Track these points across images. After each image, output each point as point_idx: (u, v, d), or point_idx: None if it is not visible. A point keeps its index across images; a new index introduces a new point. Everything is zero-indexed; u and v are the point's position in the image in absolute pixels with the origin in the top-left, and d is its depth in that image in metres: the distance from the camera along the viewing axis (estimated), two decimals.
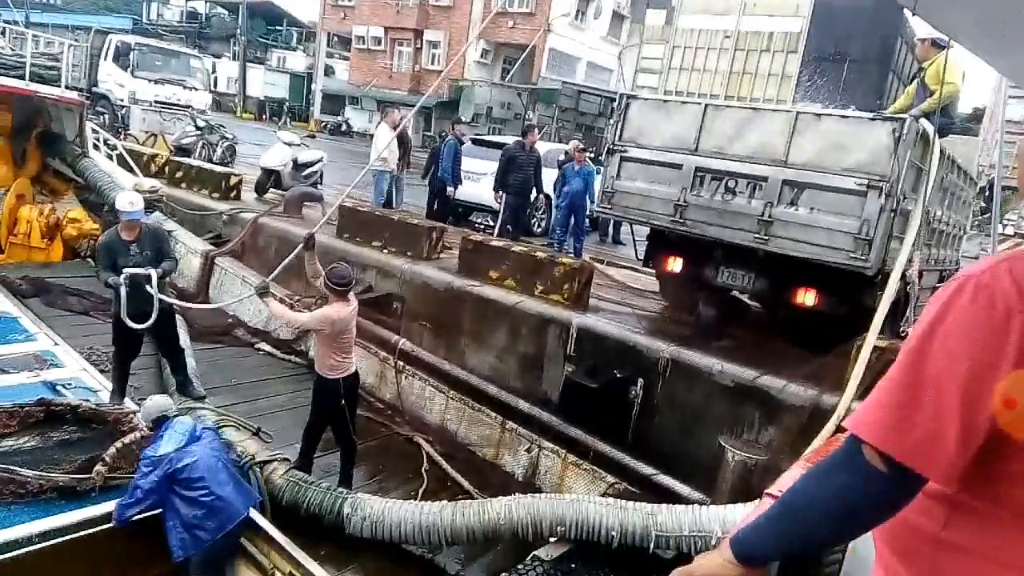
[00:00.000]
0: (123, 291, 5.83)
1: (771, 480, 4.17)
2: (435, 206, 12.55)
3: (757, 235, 6.44)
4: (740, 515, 4.55)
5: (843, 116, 6.54)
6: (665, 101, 7.58)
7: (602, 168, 7.81)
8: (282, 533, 4.59)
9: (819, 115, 6.53)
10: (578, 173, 11.21)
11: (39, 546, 4.02)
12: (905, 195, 6.03)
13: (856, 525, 1.25)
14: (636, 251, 8.32)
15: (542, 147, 13.83)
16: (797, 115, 6.44)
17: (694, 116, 6.84)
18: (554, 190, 12.28)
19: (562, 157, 12.66)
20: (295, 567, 4.34)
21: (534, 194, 11.72)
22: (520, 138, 11.65)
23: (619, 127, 7.32)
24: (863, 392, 5.22)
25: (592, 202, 11.15)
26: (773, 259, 6.56)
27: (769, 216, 6.37)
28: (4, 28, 12.14)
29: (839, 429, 5.09)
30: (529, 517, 5.06)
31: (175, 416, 4.70)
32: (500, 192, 11.29)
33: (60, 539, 4.09)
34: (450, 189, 11.98)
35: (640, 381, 6.54)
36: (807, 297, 6.62)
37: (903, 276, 6.02)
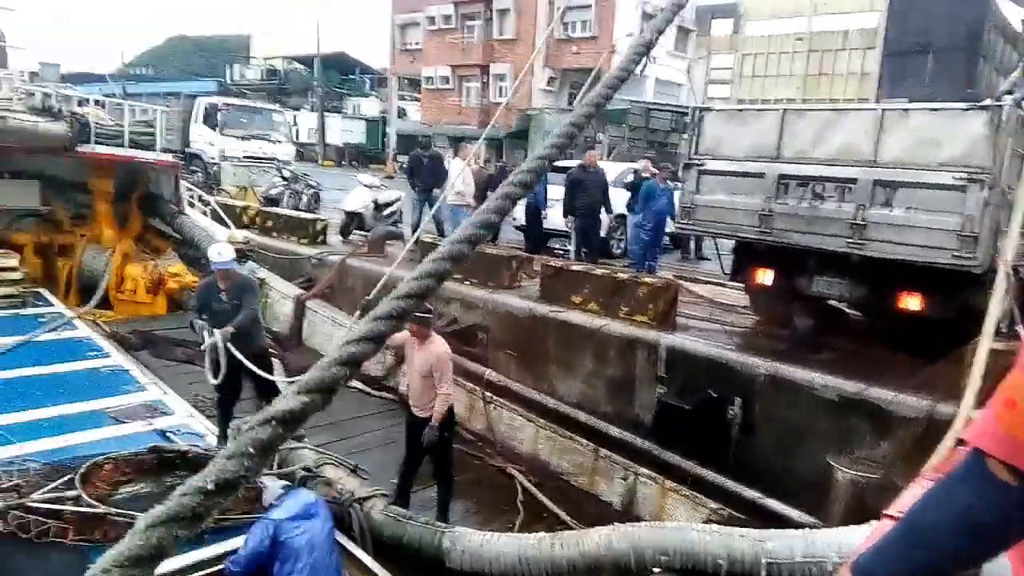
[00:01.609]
0: (207, 356, 6.19)
1: (887, 499, 3.91)
2: (527, 231, 12.78)
3: (851, 240, 6.16)
4: (857, 539, 4.29)
5: (933, 109, 6.21)
6: (741, 110, 7.44)
7: (678, 184, 7.67)
8: (384, 568, 4.63)
9: (907, 110, 6.23)
10: (664, 191, 11.05)
11: None
12: (1011, 186, 5.65)
13: (987, 546, 1.14)
14: (722, 266, 8.10)
15: (614, 167, 13.74)
16: (883, 112, 6.17)
17: (773, 123, 6.65)
18: (631, 210, 12.11)
19: (631, 177, 12.51)
20: None
21: (604, 215, 11.54)
22: (582, 161, 11.56)
23: (694, 141, 7.20)
24: (983, 400, 4.85)
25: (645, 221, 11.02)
26: (870, 264, 6.25)
27: (862, 219, 6.08)
28: (105, 101, 13.10)
29: (959, 441, 4.74)
30: (630, 547, 4.91)
31: (297, 489, 4.87)
32: (568, 217, 11.23)
33: None
34: (544, 212, 12.15)
35: (737, 400, 6.31)
36: (911, 301, 6.25)
37: (1015, 271, 5.61)
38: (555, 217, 12.13)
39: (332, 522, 4.65)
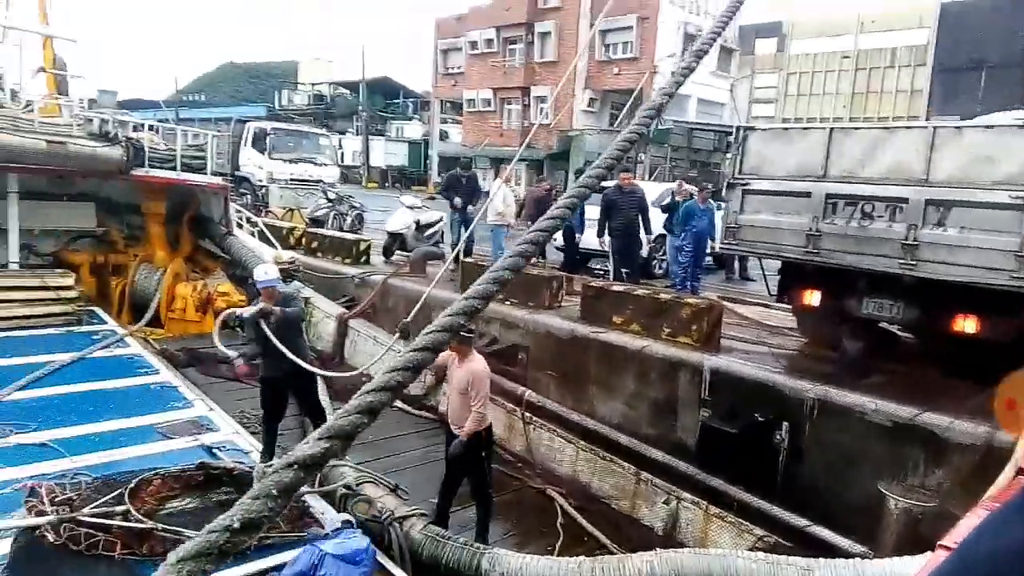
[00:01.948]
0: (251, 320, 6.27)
1: (943, 528, 3.75)
2: (565, 251, 12.76)
3: (903, 260, 5.99)
4: (910, 570, 4.14)
5: (988, 127, 6.04)
6: (786, 129, 7.33)
7: (720, 204, 7.58)
8: None
9: (960, 128, 6.07)
10: (704, 211, 10.94)
11: None
12: None
13: None
14: (767, 286, 7.96)
15: (655, 188, 13.62)
16: (935, 130, 6.02)
17: (819, 141, 6.55)
18: (669, 231, 11.92)
19: (668, 199, 12.37)
20: None
21: (643, 235, 11.15)
22: (617, 181, 11.12)
23: (738, 160, 7.11)
24: None
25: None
26: (923, 285, 6.06)
27: (914, 239, 5.92)
28: (159, 127, 13.57)
29: (1021, 471, 4.54)
30: (673, 573, 4.80)
31: (355, 531, 4.87)
32: (602, 238, 11.04)
33: None
34: (578, 236, 12.09)
35: (785, 424, 6.14)
36: (966, 324, 6.05)
37: None
38: (590, 237, 11.93)
39: (372, 565, 4.63)
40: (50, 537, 4.57)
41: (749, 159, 7.06)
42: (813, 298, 7.01)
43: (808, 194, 6.57)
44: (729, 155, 7.50)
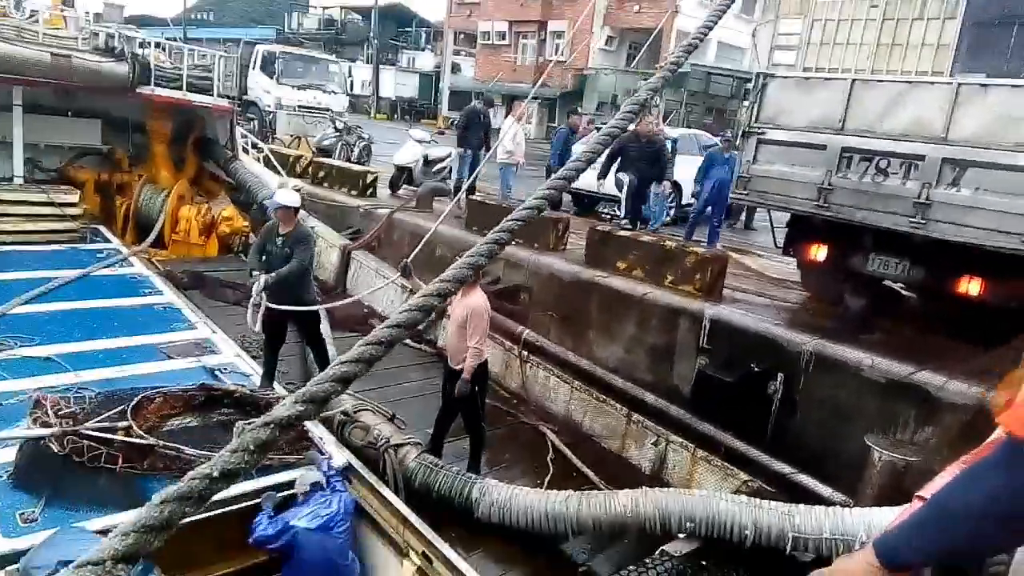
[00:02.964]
0: (255, 292, 6.31)
1: (925, 482, 3.83)
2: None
3: (913, 219, 5.93)
4: (888, 518, 4.22)
5: (1015, 86, 5.89)
6: (807, 78, 7.13)
7: (736, 152, 7.46)
8: (415, 513, 4.73)
9: (985, 85, 5.91)
10: (726, 160, 10.66)
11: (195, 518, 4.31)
12: None
13: (1015, 532, 1.14)
14: (774, 238, 7.91)
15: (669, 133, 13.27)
16: (959, 87, 5.87)
17: (840, 93, 6.40)
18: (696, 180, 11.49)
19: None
20: (427, 547, 4.46)
21: (655, 185, 10.48)
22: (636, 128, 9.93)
23: (756, 108, 6.97)
24: None
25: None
26: (932, 245, 6.02)
27: (927, 198, 5.84)
28: (166, 44, 13.27)
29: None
30: (657, 512, 4.93)
31: (325, 492, 4.65)
32: (601, 180, 10.26)
33: (212, 512, 4.29)
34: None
35: (780, 376, 6.20)
36: (971, 286, 6.03)
37: None
38: (589, 179, 10.26)
39: (351, 533, 4.61)
40: (54, 448, 4.67)
41: (767, 108, 6.92)
42: (820, 253, 6.97)
43: (824, 147, 6.46)
44: (746, 103, 7.33)
